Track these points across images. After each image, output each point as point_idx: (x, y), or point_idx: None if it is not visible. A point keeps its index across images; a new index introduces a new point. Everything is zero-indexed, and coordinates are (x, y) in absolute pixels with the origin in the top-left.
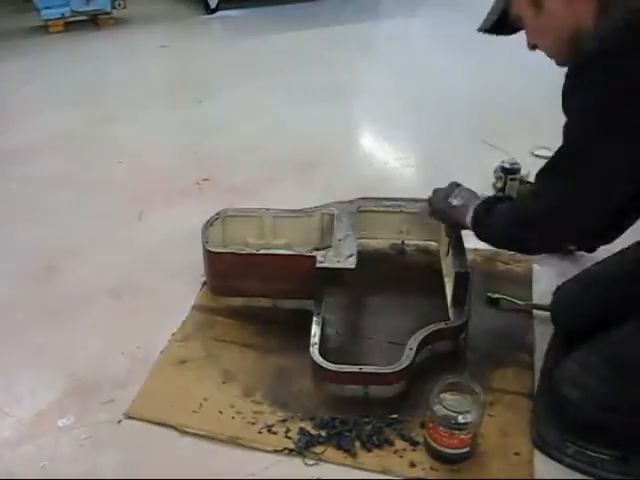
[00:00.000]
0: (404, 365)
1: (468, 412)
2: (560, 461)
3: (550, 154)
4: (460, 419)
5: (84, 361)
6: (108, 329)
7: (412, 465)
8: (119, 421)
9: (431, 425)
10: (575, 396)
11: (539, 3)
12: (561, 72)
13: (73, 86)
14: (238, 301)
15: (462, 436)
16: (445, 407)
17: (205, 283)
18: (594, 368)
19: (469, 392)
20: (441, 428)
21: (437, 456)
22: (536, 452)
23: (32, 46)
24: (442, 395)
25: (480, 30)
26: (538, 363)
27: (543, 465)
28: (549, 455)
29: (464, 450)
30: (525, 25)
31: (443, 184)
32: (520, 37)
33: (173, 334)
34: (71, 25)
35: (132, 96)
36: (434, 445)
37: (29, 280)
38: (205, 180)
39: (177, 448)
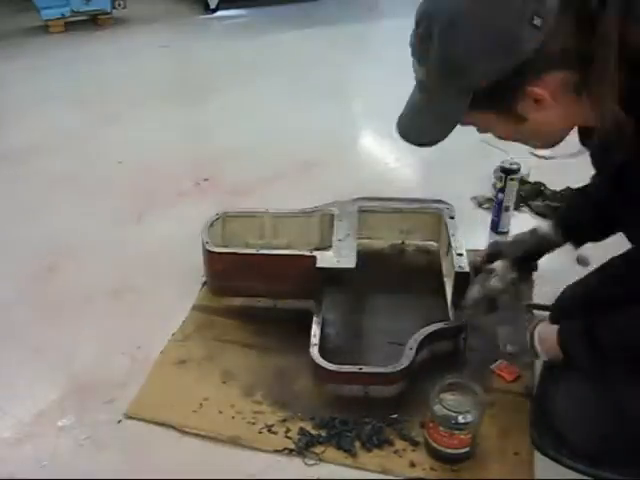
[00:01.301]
0: (404, 365)
1: (468, 412)
2: (559, 461)
3: (550, 154)
4: (460, 419)
5: (84, 361)
6: (108, 329)
7: (412, 465)
8: (119, 421)
9: (431, 425)
10: (573, 437)
11: (521, 118)
12: None
13: (73, 86)
14: (238, 301)
15: (462, 436)
16: (445, 407)
17: (205, 283)
18: (592, 414)
19: (469, 392)
20: (441, 428)
21: (437, 456)
22: (536, 452)
23: (32, 46)
24: (442, 395)
25: (421, 144)
26: (538, 363)
27: (543, 465)
28: (547, 455)
29: (464, 450)
30: (496, 134)
31: (443, 184)
32: None
33: (173, 334)
34: (71, 25)
35: (132, 96)
36: (434, 445)
37: (29, 280)
38: (205, 180)
39: (177, 448)
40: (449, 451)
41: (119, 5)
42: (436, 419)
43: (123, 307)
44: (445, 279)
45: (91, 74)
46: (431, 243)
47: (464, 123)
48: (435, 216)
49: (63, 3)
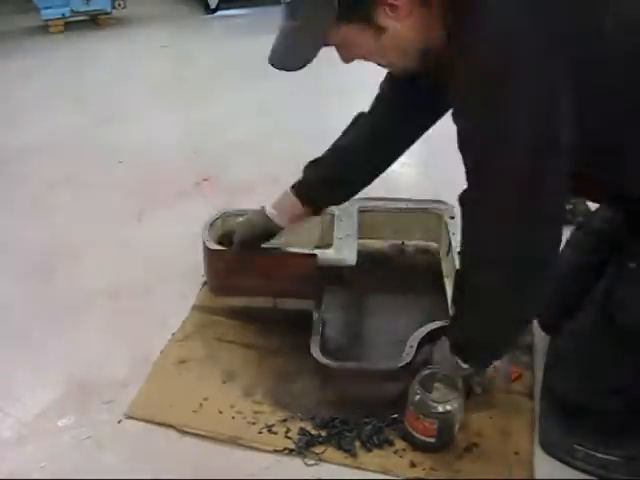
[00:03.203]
0: (405, 363)
1: (438, 402)
2: (570, 464)
3: None
4: (425, 403)
5: (84, 361)
6: (108, 329)
7: (412, 465)
8: (119, 421)
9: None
10: (587, 399)
11: (380, 29)
12: None
13: (73, 86)
14: (238, 301)
15: (426, 423)
16: (419, 391)
17: (205, 283)
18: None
19: (453, 387)
20: (410, 408)
21: (406, 437)
22: (536, 452)
23: (32, 46)
24: (436, 384)
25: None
26: (538, 363)
27: (543, 465)
28: (559, 459)
29: (429, 439)
30: (359, 52)
31: (443, 184)
32: None
33: (173, 334)
34: (71, 25)
35: (132, 96)
36: (406, 424)
37: (29, 280)
38: (205, 180)
39: (177, 448)
40: (415, 434)
41: (119, 5)
42: (409, 401)
43: (123, 307)
44: (445, 279)
45: (91, 74)
46: (431, 243)
47: (330, 44)
48: (435, 216)
49: (63, 3)
